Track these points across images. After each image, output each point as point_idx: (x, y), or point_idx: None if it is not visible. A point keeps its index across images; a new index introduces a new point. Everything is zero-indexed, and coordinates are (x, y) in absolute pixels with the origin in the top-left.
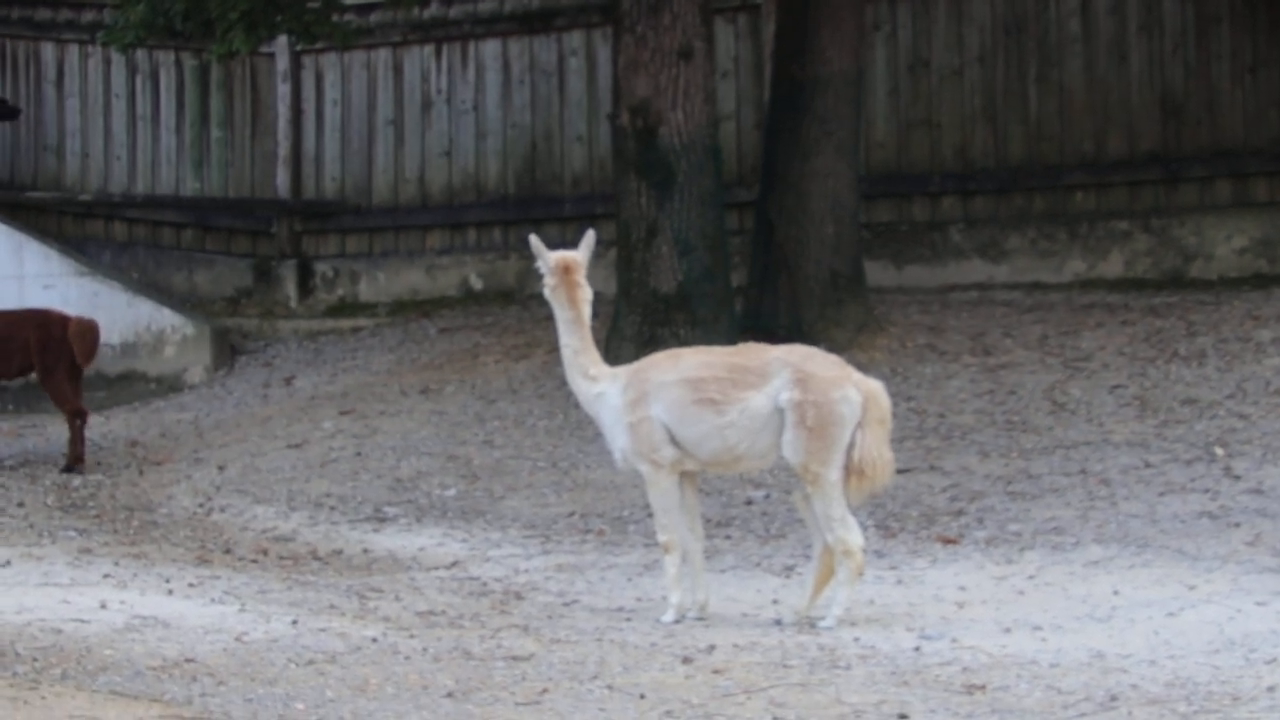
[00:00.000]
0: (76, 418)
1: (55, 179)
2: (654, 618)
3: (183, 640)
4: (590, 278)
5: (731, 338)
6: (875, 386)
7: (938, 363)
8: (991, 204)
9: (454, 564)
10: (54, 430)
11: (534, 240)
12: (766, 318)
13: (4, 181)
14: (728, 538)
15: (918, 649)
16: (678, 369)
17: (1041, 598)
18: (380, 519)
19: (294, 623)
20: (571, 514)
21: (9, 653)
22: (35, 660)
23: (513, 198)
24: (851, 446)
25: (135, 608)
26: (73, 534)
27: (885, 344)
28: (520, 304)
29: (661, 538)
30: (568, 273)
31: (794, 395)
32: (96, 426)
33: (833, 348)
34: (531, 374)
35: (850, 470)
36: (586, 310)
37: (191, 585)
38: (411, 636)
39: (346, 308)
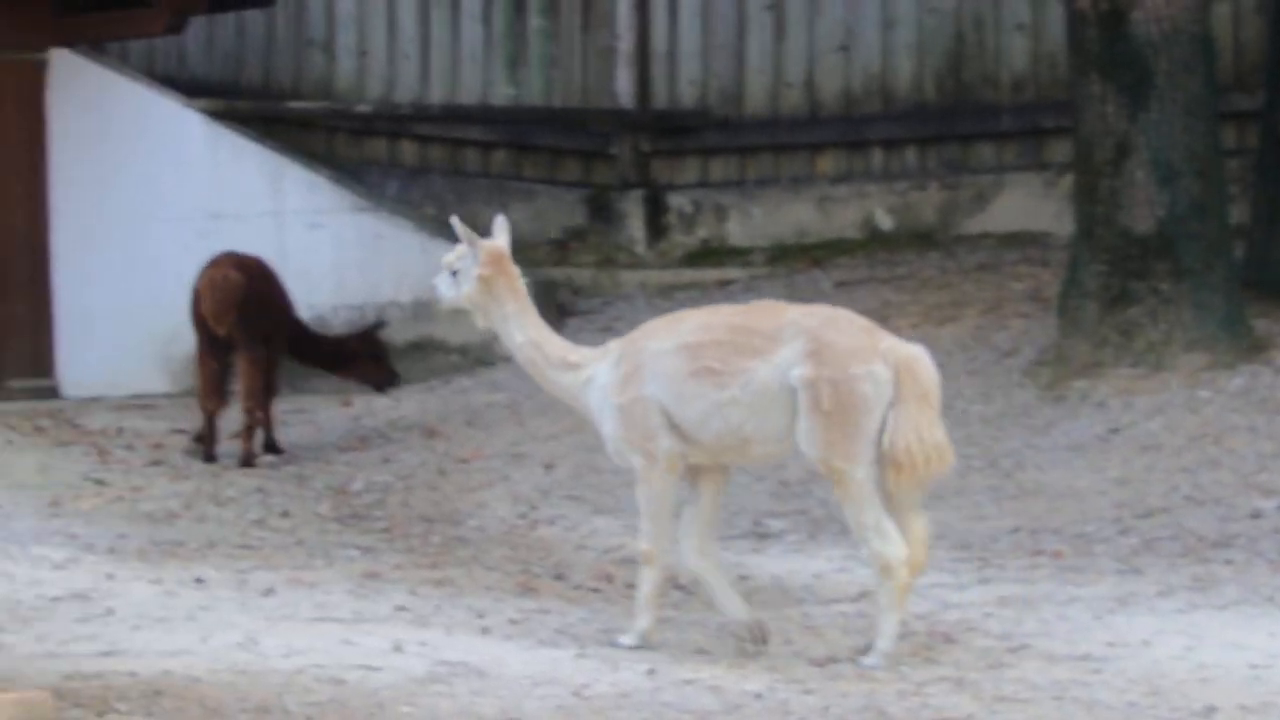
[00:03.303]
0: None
1: (324, 84)
2: (1133, 668)
3: (504, 694)
4: (1039, 212)
5: (1229, 292)
6: (910, 354)
7: None
8: None
9: (861, 596)
10: (326, 416)
11: (457, 223)
12: (1277, 268)
13: (257, 88)
14: (1229, 563)
15: None
16: (676, 334)
17: None
18: (761, 535)
19: (650, 672)
20: (1017, 530)
21: (275, 709)
22: None
23: (932, 107)
24: (882, 430)
25: (440, 651)
26: (354, 553)
27: None
28: (944, 249)
29: (642, 544)
30: (501, 261)
31: (806, 371)
32: (382, 412)
33: None
34: (960, 342)
35: (884, 461)
36: (529, 298)
37: (513, 621)
38: (807, 692)
39: (711, 254)
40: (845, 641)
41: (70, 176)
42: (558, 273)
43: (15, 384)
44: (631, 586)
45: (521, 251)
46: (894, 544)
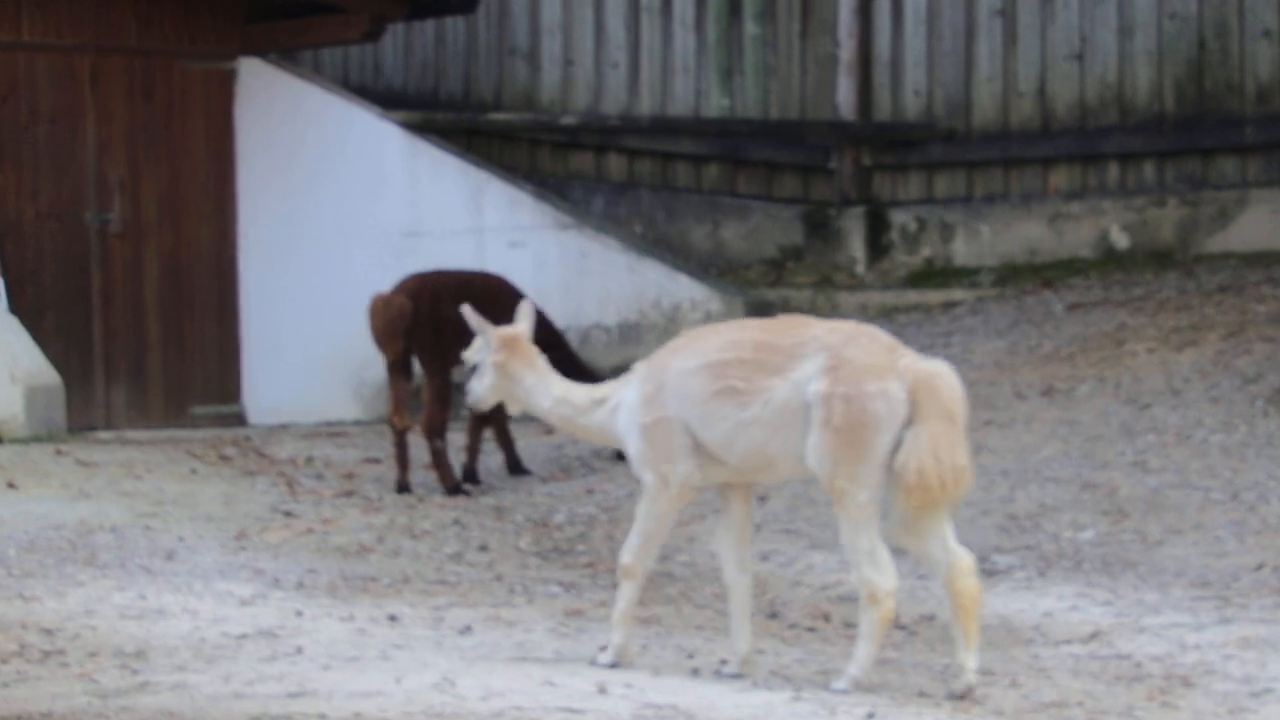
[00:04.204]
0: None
1: (527, 95)
2: None
3: None
4: (1270, 234)
5: None
6: (930, 370)
7: None
8: None
9: (1093, 636)
10: (526, 445)
11: (468, 311)
12: None
13: (457, 98)
14: None
15: None
16: (700, 353)
17: None
18: (988, 571)
19: (869, 716)
20: (1260, 566)
21: None
22: None
23: (1171, 118)
24: (897, 448)
25: (646, 693)
26: (556, 590)
27: None
28: (1183, 269)
29: (625, 559)
30: (514, 344)
31: (821, 386)
32: (586, 441)
33: None
34: (1200, 368)
35: (894, 482)
36: (546, 366)
37: (724, 662)
38: None
39: (936, 274)
40: (1075, 685)
41: (260, 191)
42: (773, 294)
43: (200, 410)
44: (850, 625)
45: (735, 271)
46: (886, 574)
